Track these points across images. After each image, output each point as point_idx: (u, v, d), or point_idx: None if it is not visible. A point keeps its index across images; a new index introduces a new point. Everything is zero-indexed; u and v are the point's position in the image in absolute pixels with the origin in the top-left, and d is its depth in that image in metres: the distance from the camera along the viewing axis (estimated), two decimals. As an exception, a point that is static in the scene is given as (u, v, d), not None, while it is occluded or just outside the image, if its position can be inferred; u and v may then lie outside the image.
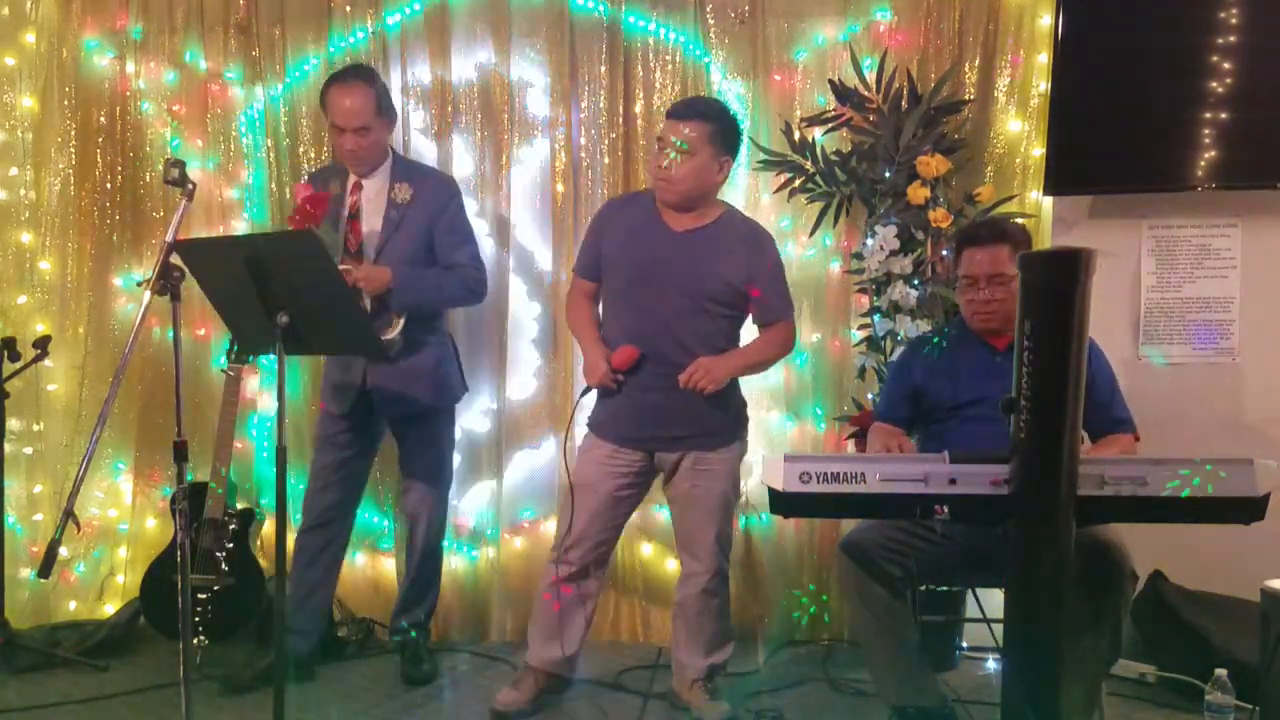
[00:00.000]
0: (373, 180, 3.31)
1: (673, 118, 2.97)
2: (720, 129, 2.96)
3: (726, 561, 3.08)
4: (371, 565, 3.91)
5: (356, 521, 3.88)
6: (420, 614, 3.51)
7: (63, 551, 2.76)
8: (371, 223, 3.28)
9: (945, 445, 2.41)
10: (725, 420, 3.01)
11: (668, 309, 2.93)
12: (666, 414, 2.94)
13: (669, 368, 2.91)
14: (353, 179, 3.32)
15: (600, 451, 3.02)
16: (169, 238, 2.50)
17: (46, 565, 2.43)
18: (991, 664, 3.36)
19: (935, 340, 2.99)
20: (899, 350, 3.42)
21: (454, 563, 3.84)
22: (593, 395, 3.08)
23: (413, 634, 3.48)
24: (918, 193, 3.44)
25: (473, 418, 3.84)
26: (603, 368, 2.94)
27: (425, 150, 3.83)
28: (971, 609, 2.87)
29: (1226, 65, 3.24)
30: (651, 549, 3.79)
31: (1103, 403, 2.80)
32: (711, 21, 3.72)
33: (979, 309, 2.81)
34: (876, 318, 3.53)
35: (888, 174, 3.49)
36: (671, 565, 3.77)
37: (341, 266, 3.10)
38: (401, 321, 3.22)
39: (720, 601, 3.07)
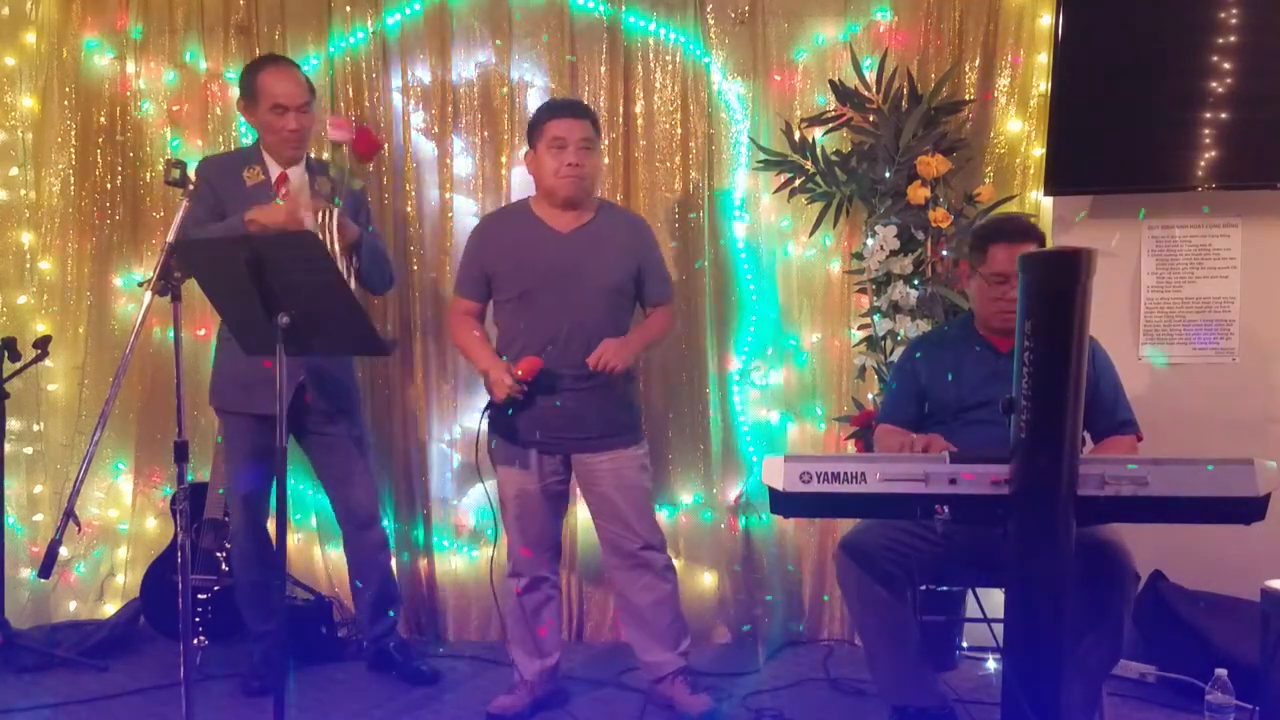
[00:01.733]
0: (295, 171, 3.26)
1: (573, 117, 2.98)
2: (598, 128, 3.06)
3: (664, 552, 3.10)
4: (371, 565, 3.90)
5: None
6: (396, 618, 3.49)
7: (63, 551, 2.76)
8: (306, 211, 3.21)
9: (958, 446, 2.41)
10: (632, 418, 3.08)
11: (572, 311, 2.94)
12: (582, 415, 2.96)
13: (579, 369, 2.93)
14: (275, 169, 3.24)
15: (520, 460, 3.02)
16: (169, 238, 2.50)
17: (46, 565, 2.43)
18: (991, 664, 3.36)
19: (945, 329, 2.97)
20: (899, 351, 3.42)
21: (454, 562, 3.85)
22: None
23: (395, 644, 3.47)
24: (918, 193, 3.44)
25: (473, 418, 3.84)
26: (508, 381, 2.90)
27: (425, 150, 3.84)
28: (971, 609, 2.87)
29: (1226, 65, 3.24)
30: (651, 549, 3.78)
31: (1107, 406, 2.79)
32: (711, 21, 3.72)
33: (1006, 307, 2.72)
34: (876, 318, 3.53)
35: (888, 174, 3.49)
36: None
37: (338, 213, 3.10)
38: (354, 281, 3.19)
39: (671, 588, 3.09)
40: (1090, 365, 2.74)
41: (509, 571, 3.11)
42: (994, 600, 2.62)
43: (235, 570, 3.35)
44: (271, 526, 3.59)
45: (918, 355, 2.95)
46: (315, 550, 3.92)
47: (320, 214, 3.06)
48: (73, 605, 3.98)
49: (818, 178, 3.59)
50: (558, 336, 2.94)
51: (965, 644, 3.35)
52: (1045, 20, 3.53)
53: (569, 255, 2.97)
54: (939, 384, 2.84)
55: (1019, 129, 3.59)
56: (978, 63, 3.61)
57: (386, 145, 3.79)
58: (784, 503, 2.27)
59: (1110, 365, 2.84)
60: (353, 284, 3.16)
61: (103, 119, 3.96)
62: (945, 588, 2.93)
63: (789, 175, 3.61)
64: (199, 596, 3.43)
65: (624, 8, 3.72)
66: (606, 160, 3.73)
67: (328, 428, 3.33)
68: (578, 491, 3.25)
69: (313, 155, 3.43)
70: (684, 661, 3.08)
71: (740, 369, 3.76)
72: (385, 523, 3.44)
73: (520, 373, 2.90)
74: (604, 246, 3.00)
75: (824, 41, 3.70)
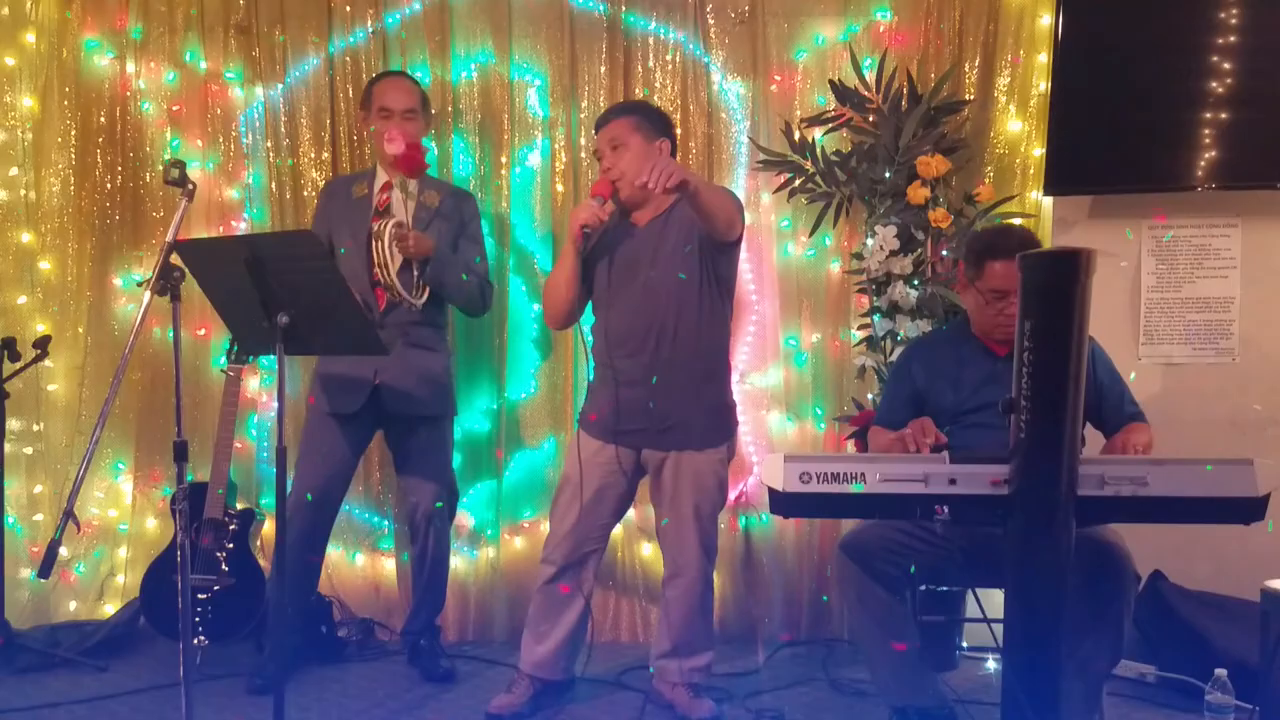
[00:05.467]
0: (402, 182, 3.30)
1: (598, 129, 3.02)
2: (641, 117, 3.00)
3: (711, 566, 3.04)
4: (371, 565, 3.91)
5: (356, 522, 3.90)
6: (433, 616, 3.52)
7: (63, 551, 2.76)
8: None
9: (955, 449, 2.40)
10: (713, 419, 2.99)
11: (652, 300, 2.91)
12: (654, 408, 2.93)
13: (657, 360, 2.91)
14: (383, 179, 3.35)
15: (588, 448, 2.99)
16: (169, 238, 2.50)
17: (46, 565, 2.43)
18: (991, 664, 3.36)
19: (942, 331, 2.95)
20: (899, 351, 3.42)
21: (454, 562, 3.83)
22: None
23: (425, 640, 3.49)
24: (918, 193, 3.44)
25: (473, 418, 3.84)
26: (589, 203, 2.86)
27: (425, 150, 3.84)
28: (971, 609, 2.87)
29: (1226, 65, 3.24)
30: (651, 549, 3.78)
31: (1114, 401, 2.80)
32: (711, 21, 3.72)
33: (1006, 322, 2.69)
34: (876, 318, 3.53)
35: (888, 174, 3.49)
36: (671, 565, 3.78)
37: (394, 221, 3.15)
38: (427, 293, 3.25)
39: (703, 605, 3.03)
40: (1091, 364, 2.75)
41: (542, 557, 3.06)
42: (994, 600, 2.61)
43: (275, 571, 3.35)
44: (271, 527, 3.61)
45: (915, 359, 2.94)
46: (315, 550, 3.92)
47: (380, 223, 3.13)
48: (73, 605, 3.98)
49: (818, 178, 3.59)
50: (638, 328, 2.92)
51: (965, 644, 3.35)
52: (1045, 20, 3.53)
53: (646, 244, 2.95)
54: (937, 387, 2.83)
55: (1019, 129, 3.60)
56: (978, 63, 3.61)
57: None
58: (784, 503, 2.26)
59: (1110, 361, 2.85)
60: (423, 296, 3.23)
61: (103, 119, 3.96)
62: (945, 588, 2.93)
63: (789, 175, 3.61)
64: (199, 596, 3.43)
65: (624, 7, 3.72)
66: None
67: (397, 429, 3.39)
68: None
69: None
70: (697, 677, 3.05)
71: (740, 369, 3.76)
72: (428, 533, 3.42)
73: (597, 189, 2.89)
74: (680, 227, 2.94)
75: (824, 41, 3.70)
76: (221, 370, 3.53)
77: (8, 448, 3.72)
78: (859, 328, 3.64)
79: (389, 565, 3.90)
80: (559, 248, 3.73)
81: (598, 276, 3.01)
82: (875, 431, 2.91)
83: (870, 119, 3.55)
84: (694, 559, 2.98)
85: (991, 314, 2.76)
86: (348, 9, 3.83)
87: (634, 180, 2.84)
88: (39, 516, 4.02)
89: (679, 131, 3.71)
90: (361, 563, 3.90)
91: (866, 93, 3.56)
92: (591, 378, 3.09)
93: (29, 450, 4.00)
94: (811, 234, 3.63)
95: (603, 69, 3.75)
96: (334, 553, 3.91)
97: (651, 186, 2.63)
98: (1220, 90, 3.25)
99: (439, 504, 3.41)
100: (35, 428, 4.00)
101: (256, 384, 3.92)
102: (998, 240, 2.75)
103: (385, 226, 3.11)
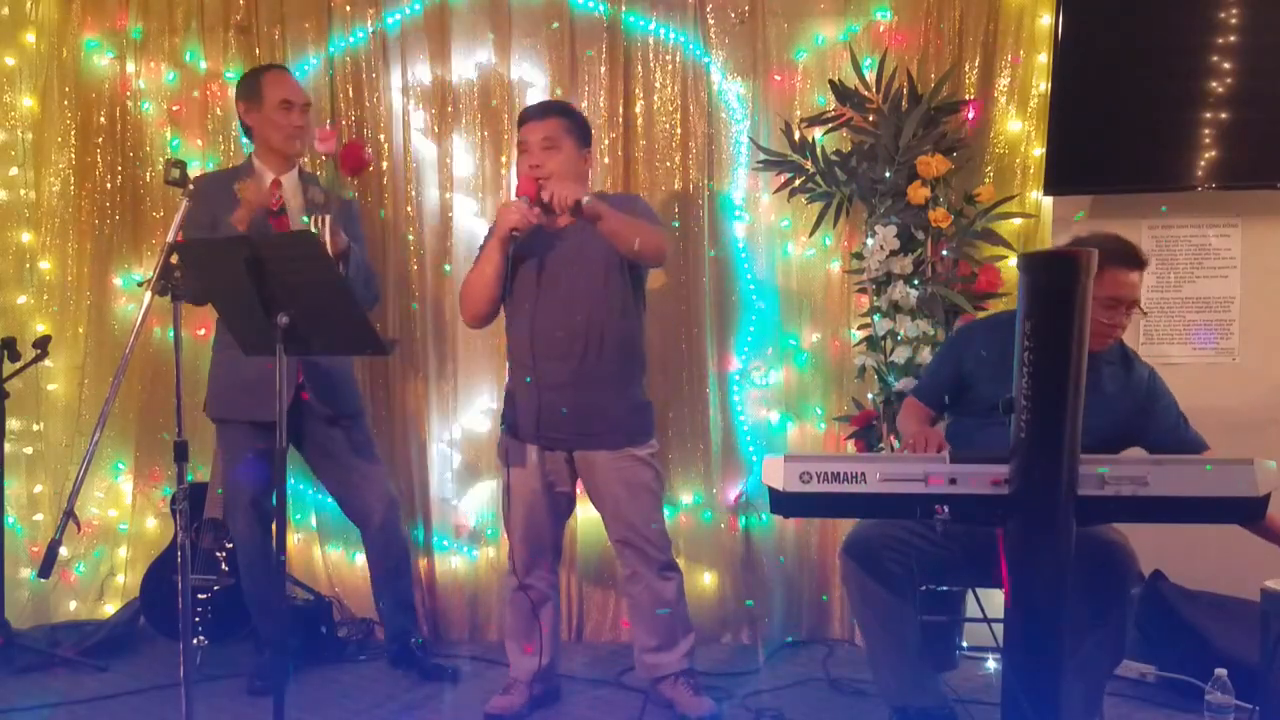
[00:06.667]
0: (289, 178, 3.30)
1: (530, 120, 2.98)
2: (574, 123, 2.99)
3: (668, 554, 3.04)
4: (371, 565, 3.91)
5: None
6: (412, 609, 3.51)
7: (63, 551, 2.76)
8: (296, 218, 3.27)
9: (978, 446, 2.39)
10: (638, 418, 3.01)
11: (576, 304, 2.91)
12: (582, 411, 2.92)
13: (584, 364, 2.90)
14: (271, 177, 3.28)
15: (523, 454, 2.99)
16: (169, 238, 2.50)
17: (46, 565, 2.43)
18: (991, 664, 3.36)
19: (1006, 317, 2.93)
20: (899, 351, 3.41)
21: (454, 562, 3.85)
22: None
23: (418, 640, 3.49)
24: (918, 193, 3.44)
25: (473, 418, 3.85)
26: (518, 203, 2.85)
27: (425, 150, 3.84)
28: (971, 609, 2.86)
29: (1226, 65, 3.24)
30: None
31: (1164, 422, 2.75)
32: (711, 21, 3.72)
33: (1109, 332, 2.66)
34: (876, 318, 3.53)
35: (888, 174, 3.49)
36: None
37: (330, 215, 3.08)
38: None
39: (673, 588, 3.04)
40: (1150, 385, 2.75)
41: (508, 569, 3.10)
42: (994, 600, 2.61)
43: (243, 578, 3.36)
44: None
45: (973, 341, 2.87)
46: (315, 550, 3.92)
47: (313, 219, 3.07)
48: (73, 605, 3.98)
49: (818, 178, 3.59)
50: (559, 330, 2.91)
51: (965, 644, 3.34)
52: (1045, 20, 3.52)
53: (565, 245, 2.95)
54: (984, 374, 2.77)
55: (1019, 129, 3.59)
56: (978, 63, 3.60)
57: (387, 145, 3.80)
58: (784, 503, 2.26)
59: (1164, 384, 2.80)
60: None
61: (103, 119, 3.96)
62: (945, 588, 2.93)
63: (789, 175, 3.61)
64: (199, 596, 3.43)
65: (624, 7, 3.72)
66: (606, 160, 3.73)
67: (326, 432, 3.34)
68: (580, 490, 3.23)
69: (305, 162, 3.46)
70: (685, 664, 3.06)
71: (740, 369, 3.76)
72: (395, 523, 3.41)
73: (523, 191, 2.87)
74: (592, 240, 2.93)
75: (824, 41, 3.70)
76: (221, 370, 3.52)
77: (8, 448, 3.72)
78: (859, 328, 3.63)
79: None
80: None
81: (517, 278, 2.97)
82: (910, 403, 2.91)
83: (870, 119, 3.55)
84: (653, 546, 2.99)
85: (1104, 320, 2.64)
86: (348, 9, 3.83)
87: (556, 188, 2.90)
88: (39, 516, 4.02)
89: (679, 131, 3.73)
90: (361, 563, 3.89)
91: (866, 93, 3.55)
92: (508, 381, 3.06)
93: (29, 450, 4.01)
94: (811, 234, 3.63)
95: (603, 69, 3.75)
96: (334, 553, 3.92)
97: (555, 206, 2.74)
98: (1220, 90, 3.25)
99: (393, 495, 3.40)
100: (35, 428, 4.00)
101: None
102: (1126, 248, 2.67)
103: (325, 220, 3.02)
